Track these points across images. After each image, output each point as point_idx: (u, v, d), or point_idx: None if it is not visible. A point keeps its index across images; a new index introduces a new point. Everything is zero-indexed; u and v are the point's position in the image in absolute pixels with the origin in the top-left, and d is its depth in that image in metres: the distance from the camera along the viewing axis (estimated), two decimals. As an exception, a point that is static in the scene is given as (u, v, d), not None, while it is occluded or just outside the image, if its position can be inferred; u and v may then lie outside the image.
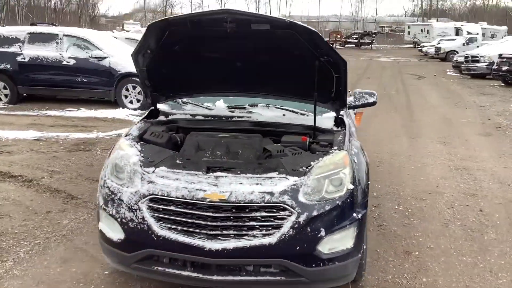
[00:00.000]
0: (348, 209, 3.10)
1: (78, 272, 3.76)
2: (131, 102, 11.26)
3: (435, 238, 4.48)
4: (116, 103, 11.31)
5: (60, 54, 11.33)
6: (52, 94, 12.02)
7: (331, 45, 3.46)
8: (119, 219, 3.13)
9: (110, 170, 3.35)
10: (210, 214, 2.96)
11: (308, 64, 3.56)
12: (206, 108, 4.26)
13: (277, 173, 3.13)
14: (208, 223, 2.96)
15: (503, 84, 18.32)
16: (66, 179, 5.97)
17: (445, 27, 47.33)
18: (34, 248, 4.14)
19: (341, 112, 3.98)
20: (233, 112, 4.15)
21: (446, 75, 23.29)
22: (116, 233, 3.18)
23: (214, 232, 2.95)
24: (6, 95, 11.59)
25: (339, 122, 3.94)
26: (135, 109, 11.08)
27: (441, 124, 10.39)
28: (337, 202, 3.04)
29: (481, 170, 6.78)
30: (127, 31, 29.19)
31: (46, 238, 4.32)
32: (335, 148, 3.42)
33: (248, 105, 4.23)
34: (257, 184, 3.03)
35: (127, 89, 11.22)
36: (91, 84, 11.38)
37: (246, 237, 2.94)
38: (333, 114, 4.00)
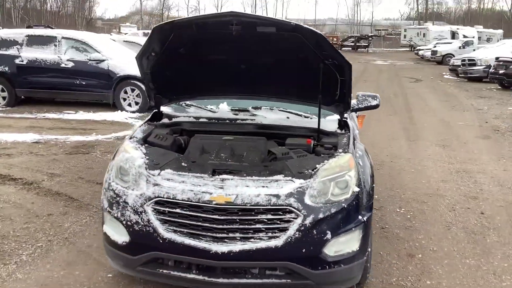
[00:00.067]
0: (354, 211, 3.10)
1: (81, 275, 3.74)
2: (129, 105, 11.23)
3: (438, 241, 4.49)
4: (114, 106, 11.29)
5: (59, 56, 11.30)
6: (50, 97, 12.01)
7: (336, 48, 3.47)
8: (124, 222, 3.13)
9: (115, 172, 3.34)
10: (216, 216, 2.96)
11: (313, 67, 3.57)
12: (209, 110, 4.25)
13: (283, 175, 3.13)
14: (214, 225, 2.96)
15: (500, 87, 18.38)
16: (67, 182, 5.95)
17: (441, 31, 47.46)
18: (37, 251, 4.12)
19: (345, 115, 3.98)
20: (237, 114, 4.15)
21: (443, 78, 23.35)
22: (121, 236, 3.18)
23: (220, 235, 2.95)
24: (4, 98, 11.54)
25: (342, 124, 3.94)
26: (133, 112, 11.03)
27: (439, 127, 10.41)
28: (343, 204, 3.05)
29: (481, 172, 6.80)
30: (125, 34, 29.16)
31: (48, 241, 4.31)
32: (340, 150, 3.42)
33: (252, 107, 4.24)
34: (263, 186, 3.03)
35: (125, 92, 11.19)
36: (90, 86, 11.34)
37: (252, 239, 2.94)
38: (336, 116, 4.00)
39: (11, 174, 6.19)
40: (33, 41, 11.55)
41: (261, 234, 2.94)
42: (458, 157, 7.70)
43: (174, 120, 4.13)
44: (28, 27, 13.42)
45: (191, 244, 2.96)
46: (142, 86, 10.96)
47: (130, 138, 3.69)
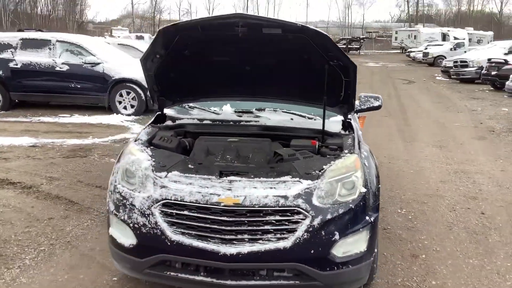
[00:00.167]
0: (361, 212, 3.11)
1: (86, 279, 3.72)
2: (125, 108, 11.20)
3: (440, 241, 4.50)
4: (110, 109, 11.24)
5: (53, 60, 11.25)
6: (45, 100, 11.95)
7: (341, 49, 3.47)
8: (131, 225, 3.11)
9: (120, 175, 3.32)
10: (225, 218, 2.95)
11: (318, 68, 3.57)
12: (213, 112, 4.24)
13: (291, 176, 3.12)
14: (223, 227, 2.95)
15: (492, 88, 18.52)
16: (66, 186, 5.92)
17: (432, 33, 47.72)
18: (40, 255, 4.09)
19: (349, 116, 3.99)
20: (240, 116, 4.15)
21: (435, 79, 23.49)
22: (128, 239, 3.16)
23: (228, 237, 2.95)
24: (-2, 102, 11.47)
25: (346, 125, 3.95)
26: (129, 115, 11.00)
27: (435, 128, 10.47)
28: (350, 205, 3.05)
29: (479, 173, 6.83)
30: (118, 37, 29.06)
31: (50, 245, 4.28)
32: (346, 151, 3.43)
33: (256, 109, 4.23)
34: (271, 188, 3.02)
35: (121, 95, 11.16)
36: (85, 90, 11.31)
37: (260, 241, 2.94)
38: (340, 118, 4.01)
39: (9, 178, 6.15)
40: (27, 44, 11.48)
41: (269, 236, 2.94)
42: (455, 158, 7.74)
43: (177, 122, 4.12)
44: (19, 30, 13.31)
45: (199, 246, 2.95)
46: (138, 89, 10.99)
47: (135, 140, 3.67)
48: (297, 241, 2.92)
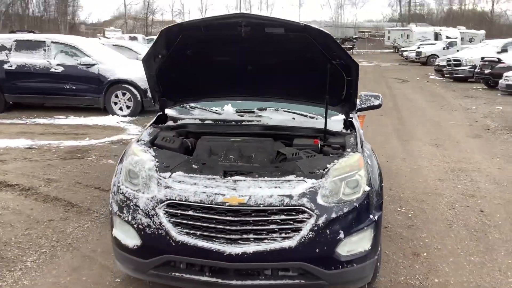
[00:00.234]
0: (365, 211, 3.11)
1: (88, 281, 3.70)
2: (120, 109, 11.17)
3: (441, 239, 4.52)
4: (105, 110, 11.21)
5: (48, 61, 11.20)
6: (40, 102, 11.91)
7: (344, 48, 3.48)
8: (135, 225, 3.10)
9: (124, 176, 3.31)
10: (230, 218, 2.94)
11: (320, 67, 3.58)
12: (214, 112, 4.24)
13: (295, 176, 3.12)
14: (228, 227, 2.95)
15: (485, 86, 18.65)
16: (64, 187, 5.89)
17: (425, 32, 47.92)
18: (41, 257, 4.07)
19: (350, 115, 4.00)
20: (242, 116, 4.15)
21: (429, 78, 23.59)
22: (132, 240, 3.14)
23: (233, 236, 2.94)
24: (-8, 104, 11.40)
25: (348, 124, 3.96)
26: (125, 116, 10.98)
27: (430, 126, 10.51)
28: (355, 204, 3.06)
29: (476, 171, 6.87)
30: (111, 38, 28.98)
31: (51, 247, 4.25)
32: (349, 150, 3.44)
33: (257, 109, 4.23)
34: (275, 187, 3.02)
35: (116, 96, 11.14)
36: (80, 91, 11.27)
37: (266, 240, 2.93)
38: (341, 117, 4.02)
39: (7, 180, 6.11)
40: (21, 46, 11.44)
41: (274, 235, 2.94)
42: (452, 156, 7.77)
43: (179, 122, 4.11)
44: (11, 32, 13.25)
45: (205, 246, 2.94)
46: (133, 90, 10.96)
47: (138, 141, 3.66)
48: (302, 240, 2.92)
